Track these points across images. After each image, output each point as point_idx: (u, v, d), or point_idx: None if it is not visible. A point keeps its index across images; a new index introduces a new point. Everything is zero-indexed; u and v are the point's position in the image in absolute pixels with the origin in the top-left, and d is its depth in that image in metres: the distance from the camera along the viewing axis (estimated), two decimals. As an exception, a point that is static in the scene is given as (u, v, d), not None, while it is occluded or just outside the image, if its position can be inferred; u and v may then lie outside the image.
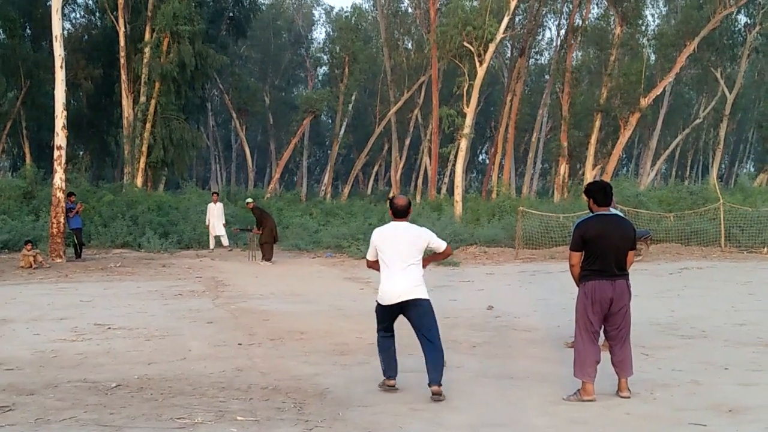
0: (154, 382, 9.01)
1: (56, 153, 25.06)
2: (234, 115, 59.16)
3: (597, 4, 51.90)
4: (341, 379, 9.26)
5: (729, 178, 74.23)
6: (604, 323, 8.43)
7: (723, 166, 74.50)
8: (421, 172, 59.18)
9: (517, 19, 49.10)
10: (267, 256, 24.88)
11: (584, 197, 8.63)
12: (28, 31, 47.18)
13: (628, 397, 8.35)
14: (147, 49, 38.98)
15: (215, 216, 29.01)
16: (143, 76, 39.29)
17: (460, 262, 25.31)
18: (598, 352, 8.37)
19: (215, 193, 30.99)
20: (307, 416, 7.66)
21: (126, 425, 7.30)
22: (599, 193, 8.47)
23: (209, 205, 29.57)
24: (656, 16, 62.92)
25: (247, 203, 26.94)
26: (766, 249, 27.79)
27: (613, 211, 8.67)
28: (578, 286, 8.47)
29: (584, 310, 8.33)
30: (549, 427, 7.36)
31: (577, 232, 8.35)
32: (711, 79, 55.33)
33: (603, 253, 8.24)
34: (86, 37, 51.89)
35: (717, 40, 48.72)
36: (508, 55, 60.31)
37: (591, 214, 8.49)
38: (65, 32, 39.25)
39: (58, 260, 24.08)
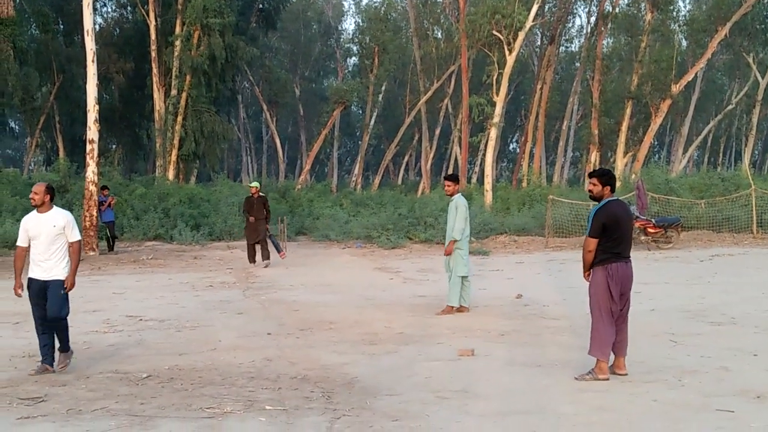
0: (184, 373, 9.12)
1: (89, 147, 25.31)
2: (264, 106, 59.42)
3: (627, -9, 51.54)
4: (369, 369, 9.29)
5: (762, 164, 73.52)
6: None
7: (756, 152, 73.68)
8: (452, 162, 59.12)
9: (546, 7, 48.80)
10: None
11: (594, 185, 8.75)
12: (61, 26, 47.65)
13: (626, 374, 8.65)
14: (178, 42, 39.18)
15: None
16: (174, 69, 39.51)
17: (490, 251, 25.30)
18: (615, 333, 8.65)
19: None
20: (335, 405, 7.71)
21: (156, 415, 7.39)
22: (613, 179, 8.81)
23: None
24: (687, 1, 62.43)
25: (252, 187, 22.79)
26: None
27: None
28: (588, 272, 8.85)
29: (607, 291, 8.60)
30: (576, 414, 7.36)
31: (597, 219, 8.57)
32: (743, 65, 54.81)
33: (621, 237, 8.60)
34: (117, 31, 52.31)
35: (749, 25, 48.10)
36: (538, 43, 60.00)
37: (606, 201, 8.70)
38: (97, 27, 39.52)
39: (91, 253, 24.31)
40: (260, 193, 22.24)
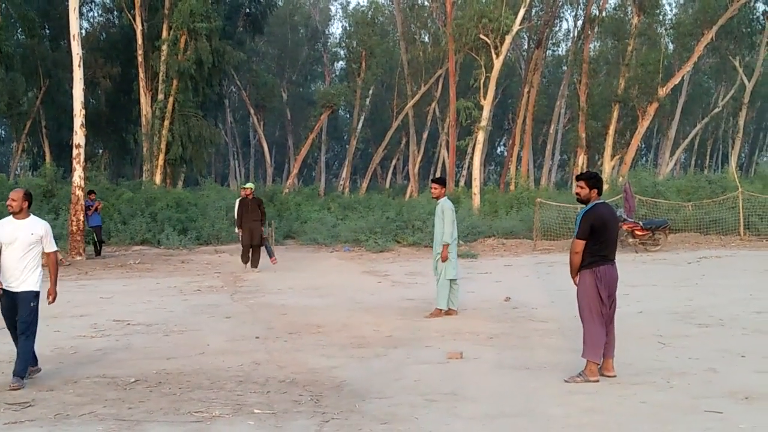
0: (172, 377, 9.09)
1: (75, 151, 25.20)
2: (252, 111, 59.42)
3: (614, -6, 51.71)
4: (358, 372, 9.29)
5: (749, 167, 73.78)
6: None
7: (743, 154, 74.02)
8: (440, 165, 59.12)
9: (533, 11, 48.94)
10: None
11: (582, 188, 8.82)
12: (47, 30, 47.42)
13: (615, 376, 8.69)
14: (164, 47, 39.12)
15: None
16: (161, 73, 39.47)
17: (479, 254, 25.33)
18: (605, 335, 8.71)
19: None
20: (324, 408, 7.70)
21: (144, 419, 7.37)
22: (601, 182, 8.89)
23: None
24: (674, 5, 62.62)
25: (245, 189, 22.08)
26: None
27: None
28: (576, 274, 8.88)
29: (596, 294, 8.65)
30: (565, 416, 7.37)
31: (585, 221, 8.62)
32: (729, 68, 55.00)
33: (608, 240, 8.69)
34: (104, 35, 52.16)
35: (735, 29, 48.36)
36: (525, 46, 60.09)
37: (593, 204, 8.76)
38: (83, 31, 39.48)
39: (78, 258, 24.21)
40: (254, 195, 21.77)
